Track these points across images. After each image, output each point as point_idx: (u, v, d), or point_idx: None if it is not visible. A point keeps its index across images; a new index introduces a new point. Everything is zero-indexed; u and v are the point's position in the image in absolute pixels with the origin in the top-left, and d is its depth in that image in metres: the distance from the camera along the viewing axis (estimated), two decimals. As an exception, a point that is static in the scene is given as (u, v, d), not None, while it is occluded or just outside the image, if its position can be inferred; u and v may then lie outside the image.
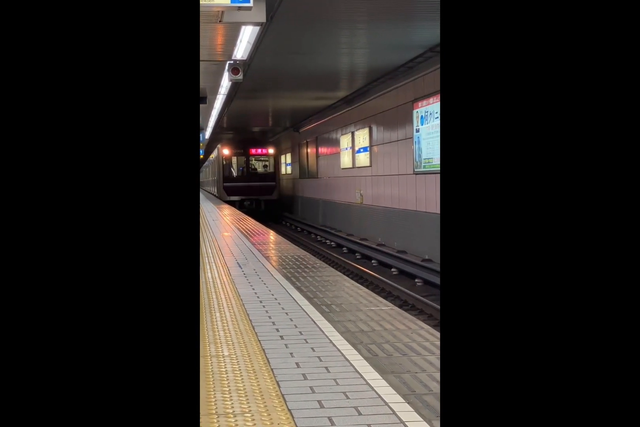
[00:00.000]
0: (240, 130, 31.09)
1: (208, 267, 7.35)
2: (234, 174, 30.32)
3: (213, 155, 38.85)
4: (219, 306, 5.02)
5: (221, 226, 13.94)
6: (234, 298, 5.34)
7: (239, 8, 7.20)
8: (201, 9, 7.35)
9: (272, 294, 5.47)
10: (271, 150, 30.54)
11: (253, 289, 5.84)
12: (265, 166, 30.70)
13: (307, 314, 4.61)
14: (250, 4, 7.01)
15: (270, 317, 4.54)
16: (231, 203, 26.68)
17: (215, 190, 34.49)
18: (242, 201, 28.48)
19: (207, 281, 6.35)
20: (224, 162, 30.22)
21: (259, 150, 30.30)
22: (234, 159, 30.38)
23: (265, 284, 6.14)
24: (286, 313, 4.64)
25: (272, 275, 6.73)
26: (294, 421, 2.53)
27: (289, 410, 2.65)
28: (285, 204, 31.88)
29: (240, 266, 7.46)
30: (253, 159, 30.47)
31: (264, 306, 4.97)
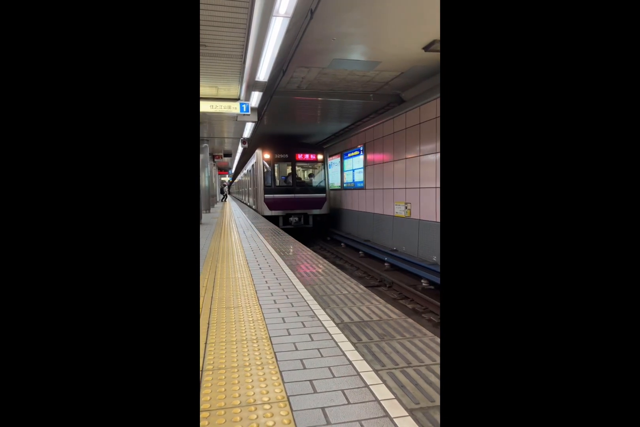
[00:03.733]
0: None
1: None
2: (276, 183, 14.18)
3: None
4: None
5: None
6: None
7: (244, 115, 7.37)
8: (227, 114, 7.13)
9: (258, 248, 5.20)
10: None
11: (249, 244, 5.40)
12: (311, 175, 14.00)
13: (272, 254, 4.35)
14: (249, 113, 7.40)
15: (257, 260, 4.28)
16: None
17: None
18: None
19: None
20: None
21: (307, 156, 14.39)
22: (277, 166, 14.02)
23: (255, 243, 5.67)
24: (263, 256, 4.39)
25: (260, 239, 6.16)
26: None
27: (258, 299, 2.46)
28: None
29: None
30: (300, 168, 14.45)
31: (253, 252, 4.62)
